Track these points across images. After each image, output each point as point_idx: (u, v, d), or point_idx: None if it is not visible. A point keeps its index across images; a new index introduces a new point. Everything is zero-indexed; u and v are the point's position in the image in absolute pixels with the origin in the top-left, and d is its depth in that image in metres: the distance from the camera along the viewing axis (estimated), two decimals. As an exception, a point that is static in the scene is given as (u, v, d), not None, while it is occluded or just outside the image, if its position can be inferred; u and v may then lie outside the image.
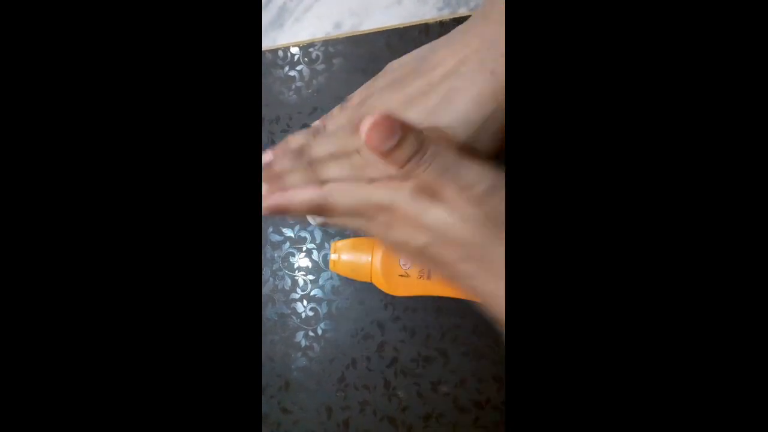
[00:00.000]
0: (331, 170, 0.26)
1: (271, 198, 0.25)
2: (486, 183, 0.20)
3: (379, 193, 0.23)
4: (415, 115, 0.24)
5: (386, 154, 0.21)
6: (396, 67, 0.26)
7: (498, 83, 0.22)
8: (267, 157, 0.28)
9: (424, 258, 0.23)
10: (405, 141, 0.20)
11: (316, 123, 0.30)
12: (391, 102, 0.25)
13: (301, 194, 0.24)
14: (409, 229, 0.22)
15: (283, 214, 0.26)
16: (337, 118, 0.28)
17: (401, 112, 0.24)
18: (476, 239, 0.20)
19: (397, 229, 0.23)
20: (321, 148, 0.26)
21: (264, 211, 0.26)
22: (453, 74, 0.23)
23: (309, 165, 0.26)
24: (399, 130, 0.21)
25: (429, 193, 0.21)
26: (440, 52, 0.24)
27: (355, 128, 0.25)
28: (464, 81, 0.23)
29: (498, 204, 0.20)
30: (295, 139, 0.29)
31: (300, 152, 0.27)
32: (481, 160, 0.22)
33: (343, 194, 0.24)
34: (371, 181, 0.24)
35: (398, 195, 0.22)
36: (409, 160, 0.21)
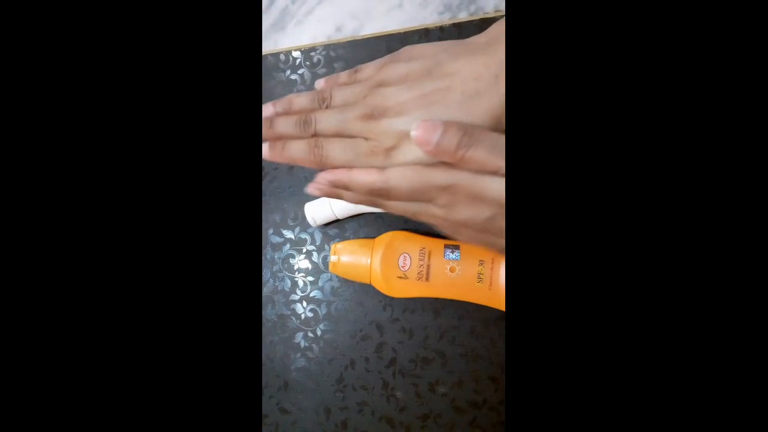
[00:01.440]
0: (334, 149, 0.27)
1: (335, 173, 0.27)
2: None
3: (440, 176, 0.24)
4: (431, 115, 0.25)
5: (436, 149, 0.23)
6: (413, 56, 0.27)
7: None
8: (267, 110, 0.29)
9: (489, 232, 0.25)
10: (448, 132, 0.23)
11: (322, 86, 0.30)
12: (406, 98, 0.25)
13: (363, 176, 0.26)
14: (473, 205, 0.24)
15: (337, 194, 0.28)
16: (344, 91, 0.28)
17: (417, 109, 0.25)
18: None
19: (461, 207, 0.25)
20: (326, 122, 0.27)
21: (318, 187, 0.28)
22: (468, 88, 0.24)
23: (313, 136, 0.27)
24: (440, 126, 0.23)
25: (486, 169, 0.23)
26: (459, 62, 0.25)
27: (365, 116, 0.26)
28: (480, 100, 0.24)
29: None
30: (299, 101, 0.29)
31: (305, 120, 0.27)
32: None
33: (405, 179, 0.25)
34: (369, 167, 0.26)
35: (460, 175, 0.24)
36: (458, 148, 0.23)
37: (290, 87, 0.43)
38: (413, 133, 0.24)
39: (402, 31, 0.43)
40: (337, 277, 0.42)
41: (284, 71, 0.44)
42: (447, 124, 0.23)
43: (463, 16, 0.43)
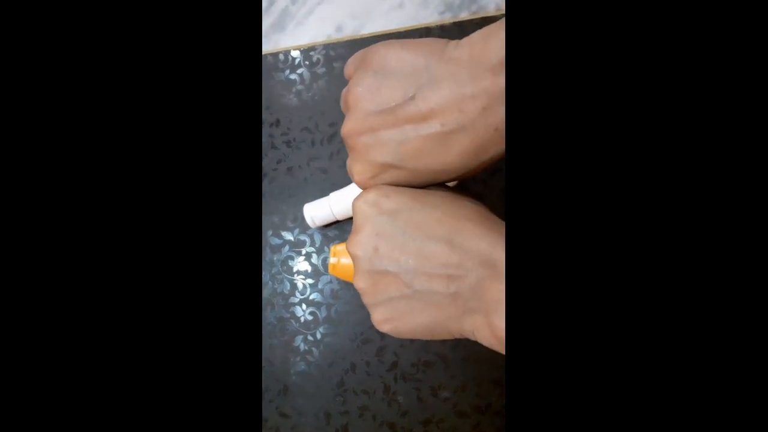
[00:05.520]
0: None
1: None
2: None
3: None
4: (408, 149, 0.22)
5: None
6: (387, 68, 0.23)
7: (499, 137, 0.21)
8: None
9: None
10: None
11: None
12: (381, 123, 0.23)
13: None
14: None
15: None
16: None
17: (392, 143, 0.23)
18: None
19: None
20: None
21: None
22: (450, 120, 0.21)
23: None
24: None
25: None
26: (442, 90, 0.21)
27: (346, 142, 0.24)
28: (464, 134, 0.21)
29: None
30: None
31: None
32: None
33: None
34: None
35: None
36: None
37: (289, 87, 0.43)
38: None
39: (402, 31, 0.43)
40: (337, 279, 0.41)
41: (283, 71, 0.43)
42: None
43: (464, 16, 0.43)
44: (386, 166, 0.23)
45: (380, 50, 0.24)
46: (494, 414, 0.39)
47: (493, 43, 0.21)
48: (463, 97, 0.21)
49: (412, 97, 0.22)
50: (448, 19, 0.43)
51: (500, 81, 0.20)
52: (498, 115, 0.21)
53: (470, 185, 0.40)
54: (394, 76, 0.23)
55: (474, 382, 0.39)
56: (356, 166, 0.24)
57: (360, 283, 0.24)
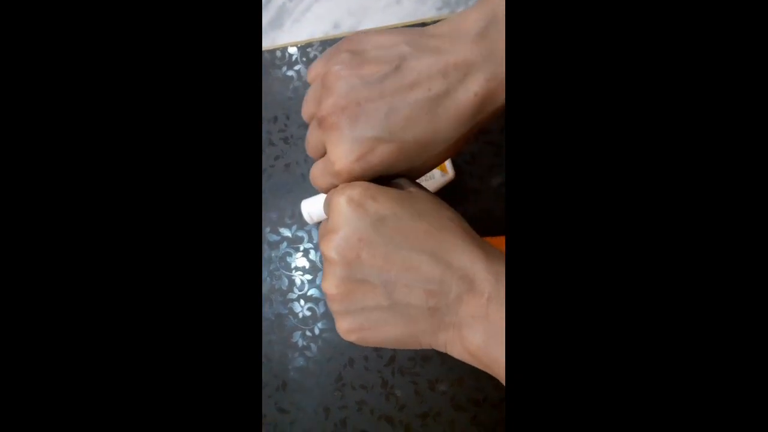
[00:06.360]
0: (315, 171, 0.26)
1: None
2: None
3: None
4: (393, 117, 0.22)
5: None
6: (368, 47, 0.23)
7: (479, 102, 0.22)
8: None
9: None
10: None
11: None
12: (362, 96, 0.22)
13: None
14: None
15: None
16: (306, 97, 0.25)
17: (374, 111, 0.22)
18: None
19: None
20: (308, 142, 0.26)
21: None
22: (438, 86, 0.22)
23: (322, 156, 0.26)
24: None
25: None
26: (424, 61, 0.22)
27: (321, 121, 0.23)
28: (449, 99, 0.22)
29: None
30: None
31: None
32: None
33: None
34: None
35: None
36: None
37: (287, 83, 0.43)
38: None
39: (400, 26, 0.43)
40: (336, 275, 0.41)
41: (280, 68, 0.43)
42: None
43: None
44: (375, 141, 0.22)
45: (354, 37, 0.24)
46: (491, 406, 0.39)
47: (470, 18, 0.22)
48: (446, 65, 0.22)
49: (398, 68, 0.22)
50: (445, 15, 0.43)
51: (478, 50, 0.22)
52: (476, 81, 0.22)
53: (467, 181, 0.41)
54: (374, 53, 0.23)
55: (471, 375, 0.39)
56: (339, 149, 0.23)
57: (332, 289, 0.22)
